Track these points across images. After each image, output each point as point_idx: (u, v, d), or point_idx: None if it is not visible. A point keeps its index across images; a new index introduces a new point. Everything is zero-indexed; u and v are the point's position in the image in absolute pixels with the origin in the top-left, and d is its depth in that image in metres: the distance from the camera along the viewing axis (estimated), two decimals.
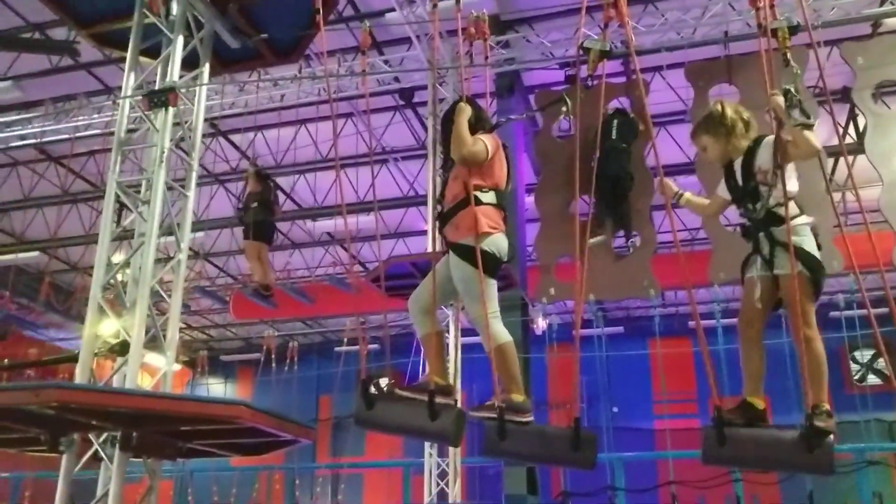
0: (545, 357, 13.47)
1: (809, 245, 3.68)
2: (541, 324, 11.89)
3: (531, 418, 3.77)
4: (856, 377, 17.76)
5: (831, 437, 3.39)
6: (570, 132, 5.92)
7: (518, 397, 3.77)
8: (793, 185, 3.77)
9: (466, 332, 11.53)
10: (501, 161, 4.17)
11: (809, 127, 3.55)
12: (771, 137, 3.74)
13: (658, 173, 4.16)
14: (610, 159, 8.25)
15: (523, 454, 3.86)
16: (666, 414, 16.12)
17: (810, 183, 7.95)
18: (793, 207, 3.71)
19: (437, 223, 4.18)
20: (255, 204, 9.52)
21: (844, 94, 9.69)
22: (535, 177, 11.13)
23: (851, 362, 17.90)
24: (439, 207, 4.22)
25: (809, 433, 3.36)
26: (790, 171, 3.76)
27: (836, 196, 12.42)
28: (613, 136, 8.52)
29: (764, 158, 3.75)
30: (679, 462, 10.90)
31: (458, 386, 9.62)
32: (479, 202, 3.96)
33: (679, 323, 17.27)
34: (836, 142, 10.86)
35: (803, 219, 3.74)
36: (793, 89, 3.61)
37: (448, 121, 4.26)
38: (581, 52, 4.27)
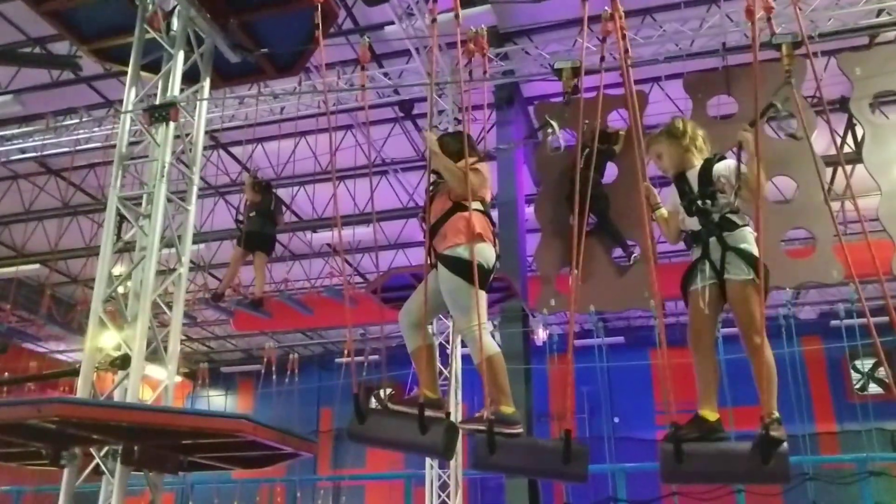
0: (546, 368, 13.48)
1: (756, 251, 3.71)
2: (541, 335, 11.89)
3: (521, 430, 3.76)
4: (857, 386, 17.75)
5: (784, 445, 3.37)
6: (560, 150, 5.94)
7: (507, 409, 3.76)
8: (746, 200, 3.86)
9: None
10: (490, 180, 4.28)
11: (797, 138, 3.64)
12: (732, 161, 3.84)
13: (644, 179, 4.18)
14: (585, 185, 8.34)
15: (513, 467, 3.86)
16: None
17: (809, 193, 8.04)
18: (742, 217, 3.82)
19: (426, 238, 4.17)
20: (253, 214, 9.53)
21: (842, 105, 9.73)
22: (535, 188, 11.17)
23: (852, 371, 17.89)
24: (425, 223, 4.22)
25: (763, 443, 3.34)
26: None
27: (835, 206, 12.45)
28: (582, 166, 8.62)
29: (726, 172, 3.84)
30: None
31: (459, 398, 9.67)
32: (464, 209, 4.01)
33: (681, 332, 17.21)
34: (834, 152, 10.95)
35: (750, 228, 3.82)
36: (778, 104, 3.67)
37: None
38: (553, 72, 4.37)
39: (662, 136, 4.15)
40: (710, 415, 3.66)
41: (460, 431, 3.97)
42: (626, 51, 4.35)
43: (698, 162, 4.00)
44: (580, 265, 4.16)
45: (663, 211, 4.17)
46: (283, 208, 10.59)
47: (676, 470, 3.48)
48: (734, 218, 3.79)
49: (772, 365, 3.57)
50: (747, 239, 3.76)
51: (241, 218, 9.77)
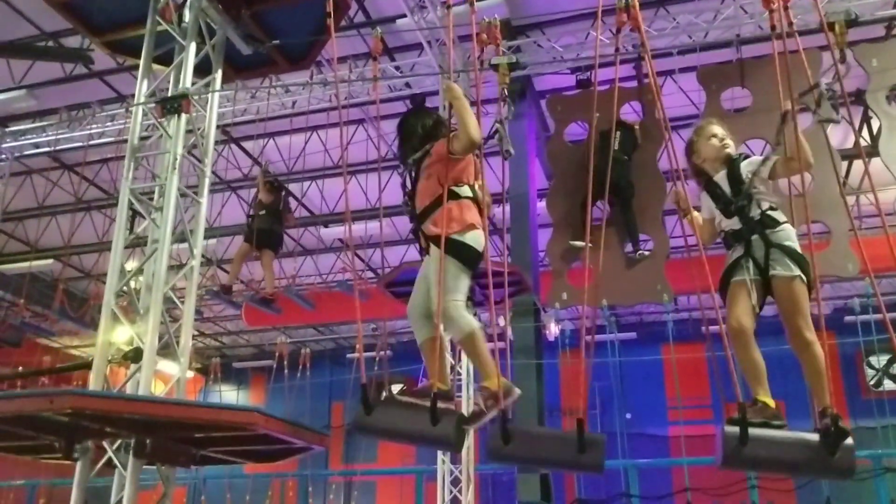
0: (558, 363, 13.42)
1: (802, 249, 3.74)
2: (553, 329, 11.84)
3: (512, 398, 3.70)
4: (871, 382, 17.61)
5: (850, 439, 3.35)
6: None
7: (493, 383, 3.71)
8: (775, 195, 3.90)
9: None
10: (473, 158, 4.17)
11: (834, 122, 3.63)
12: (755, 157, 3.92)
13: (672, 179, 4.14)
14: (612, 170, 8.28)
15: (528, 458, 3.81)
16: (681, 420, 16.02)
17: (824, 186, 7.95)
18: (781, 214, 3.83)
19: (415, 222, 4.14)
20: (263, 212, 9.56)
21: (858, 97, 9.62)
22: (546, 181, 11.12)
23: (867, 367, 17.75)
24: (410, 207, 4.19)
25: (833, 435, 3.31)
26: (770, 183, 3.91)
27: (851, 199, 12.34)
28: (616, 148, 8.56)
29: (754, 166, 3.87)
30: (695, 468, 10.82)
31: (471, 392, 9.64)
32: (458, 196, 3.99)
33: (693, 328, 17.18)
34: (849, 144, 10.84)
35: (790, 226, 3.82)
36: (824, 86, 3.65)
37: (404, 126, 4.32)
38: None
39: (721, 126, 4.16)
40: (770, 401, 3.61)
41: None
42: (643, 42, 4.30)
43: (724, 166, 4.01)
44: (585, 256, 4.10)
45: (697, 215, 4.15)
46: (292, 208, 10.59)
47: (739, 454, 3.40)
48: (775, 215, 3.80)
49: (823, 360, 3.55)
50: (791, 237, 3.76)
51: (250, 212, 9.82)
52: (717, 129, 4.13)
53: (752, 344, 3.71)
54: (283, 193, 9.96)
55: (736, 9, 9.44)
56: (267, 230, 9.42)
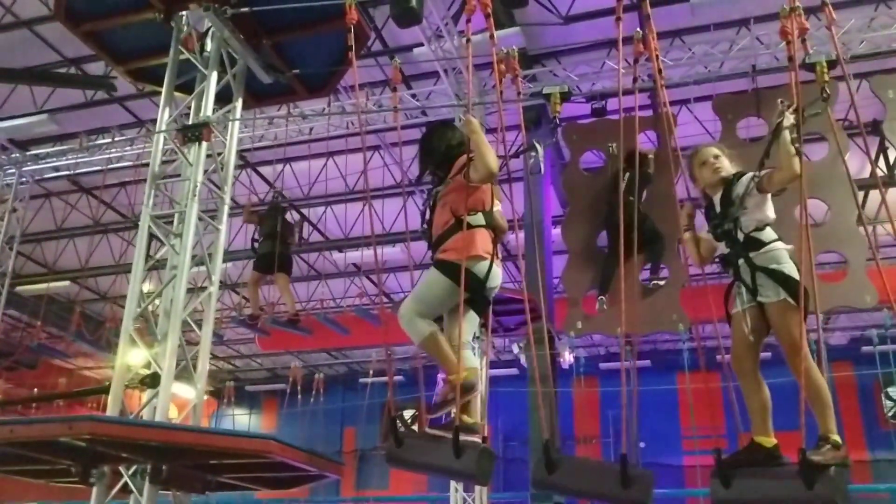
0: (571, 391, 13.38)
1: (790, 270, 3.62)
2: (568, 357, 11.80)
3: (472, 394, 3.78)
4: (889, 413, 17.40)
5: (831, 469, 3.27)
6: (541, 173, 5.86)
7: (457, 377, 3.77)
8: (769, 212, 3.80)
9: (493, 364, 11.50)
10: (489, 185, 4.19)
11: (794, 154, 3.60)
12: (748, 175, 3.82)
13: (677, 201, 4.15)
14: (622, 213, 8.37)
15: (572, 489, 3.78)
16: (696, 450, 15.86)
17: (841, 216, 7.92)
18: (770, 233, 3.73)
19: (430, 250, 4.20)
20: (263, 238, 9.62)
21: (875, 127, 9.61)
22: (561, 209, 11.13)
23: (885, 399, 17.54)
24: (427, 235, 4.24)
25: (804, 468, 3.25)
26: (766, 200, 3.80)
27: (868, 229, 12.27)
28: (623, 190, 8.61)
29: (741, 187, 3.80)
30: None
31: (486, 420, 9.58)
32: (470, 225, 4.00)
33: (708, 356, 17.06)
34: (865, 174, 10.81)
35: (781, 244, 3.72)
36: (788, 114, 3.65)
37: (426, 143, 4.37)
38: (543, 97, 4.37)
39: (716, 148, 4.13)
40: (766, 441, 3.57)
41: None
42: (660, 71, 4.33)
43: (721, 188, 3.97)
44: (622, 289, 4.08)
45: (688, 234, 4.13)
46: (295, 228, 10.62)
47: (725, 497, 3.43)
48: (759, 236, 3.69)
49: (821, 386, 3.47)
50: (778, 258, 3.64)
51: (256, 238, 9.87)
52: (706, 154, 4.07)
53: (753, 382, 3.67)
54: (278, 215, 9.98)
55: (752, 39, 9.49)
56: (270, 254, 9.39)
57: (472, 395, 3.80)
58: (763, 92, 8.89)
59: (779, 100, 3.71)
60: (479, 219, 4.07)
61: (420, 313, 3.96)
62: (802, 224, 3.53)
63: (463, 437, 3.72)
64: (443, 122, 4.43)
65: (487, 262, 3.98)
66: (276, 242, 9.54)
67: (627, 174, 8.66)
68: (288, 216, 10.20)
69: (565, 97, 4.37)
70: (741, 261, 3.71)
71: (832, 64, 3.78)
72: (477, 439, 3.84)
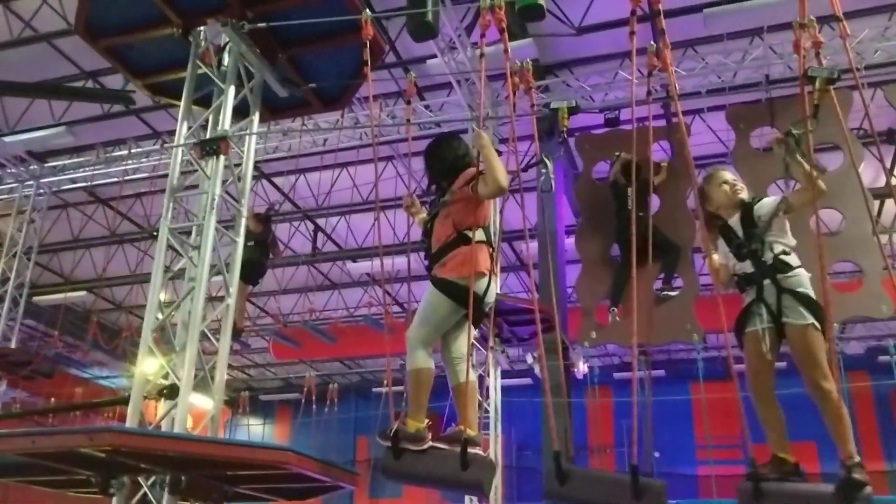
0: (584, 401, 13.34)
1: (815, 296, 3.69)
2: (582, 367, 11.79)
3: (423, 447, 3.82)
4: None
5: (868, 489, 3.33)
6: (552, 191, 5.86)
7: (413, 424, 3.85)
8: (790, 238, 3.86)
9: (506, 374, 11.51)
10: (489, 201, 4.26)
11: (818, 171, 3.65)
12: (768, 199, 3.92)
13: (699, 218, 4.17)
14: (631, 228, 8.40)
15: (584, 500, 3.80)
16: (710, 460, 15.79)
17: (856, 225, 7.91)
18: (796, 258, 3.80)
19: (428, 262, 4.25)
20: (251, 243, 9.60)
21: (889, 136, 9.59)
22: (574, 218, 11.15)
23: None
24: (426, 246, 4.30)
25: (846, 486, 3.30)
26: (787, 224, 3.88)
27: (883, 238, 12.22)
28: (630, 206, 8.65)
29: (766, 209, 3.86)
30: None
31: (499, 429, 9.62)
32: (469, 241, 4.06)
33: (722, 366, 17.02)
34: (880, 184, 10.77)
35: (804, 270, 3.77)
36: (796, 135, 3.67)
37: (433, 154, 4.44)
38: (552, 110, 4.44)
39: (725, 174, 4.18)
40: (787, 456, 3.62)
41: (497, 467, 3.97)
42: (672, 85, 4.36)
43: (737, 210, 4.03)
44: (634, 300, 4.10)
45: (716, 258, 4.17)
46: (279, 242, 10.65)
47: None
48: (788, 259, 3.77)
49: (842, 408, 3.51)
50: (804, 282, 3.72)
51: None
52: (728, 176, 4.15)
53: (769, 400, 3.72)
54: (272, 226, 10.03)
55: (765, 49, 9.49)
56: (254, 261, 9.20)
57: (414, 447, 3.83)
58: (776, 102, 8.89)
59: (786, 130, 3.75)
60: (479, 234, 4.13)
61: (425, 341, 4.03)
62: (816, 235, 3.56)
63: (469, 450, 3.76)
64: (450, 133, 4.51)
65: (486, 279, 4.05)
66: (262, 251, 9.55)
67: (629, 188, 8.74)
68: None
69: (573, 112, 4.42)
70: (767, 281, 3.75)
71: (831, 81, 3.77)
72: (480, 451, 3.88)
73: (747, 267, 3.85)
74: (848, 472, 3.30)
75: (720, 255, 4.13)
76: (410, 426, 3.85)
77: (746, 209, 3.95)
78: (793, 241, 3.85)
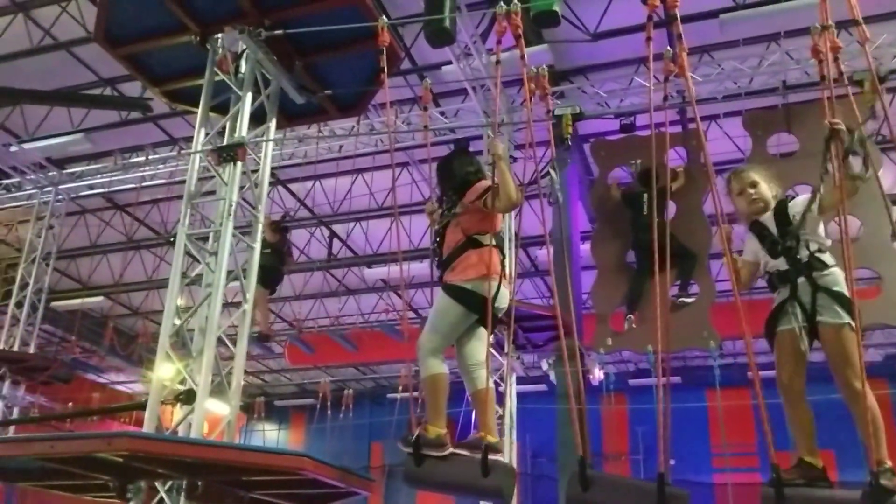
0: (599, 407, 13.24)
1: (849, 295, 3.60)
2: (597, 374, 11.72)
3: (444, 453, 3.86)
4: None
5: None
6: (558, 203, 5.86)
7: (433, 430, 3.90)
8: (825, 237, 3.80)
9: (521, 380, 11.47)
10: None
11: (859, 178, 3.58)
12: (801, 197, 3.85)
13: (717, 223, 4.13)
14: (646, 233, 8.45)
15: None
16: (727, 468, 15.67)
17: (875, 232, 7.84)
18: (831, 257, 3.73)
19: (439, 271, 4.30)
20: (268, 251, 9.76)
21: None
22: (590, 224, 11.13)
23: None
24: (438, 254, 4.35)
25: (875, 493, 3.23)
26: (820, 225, 3.81)
27: None
28: (645, 212, 8.65)
29: (800, 207, 3.79)
30: None
31: (514, 436, 9.57)
32: (480, 245, 4.12)
33: (738, 373, 16.88)
34: None
35: (839, 269, 3.69)
36: (854, 138, 3.61)
37: (445, 168, 4.52)
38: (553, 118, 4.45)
39: (757, 170, 4.12)
40: (816, 461, 3.54)
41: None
42: (689, 90, 4.35)
43: (770, 208, 3.96)
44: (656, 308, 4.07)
45: (736, 257, 4.12)
46: (293, 250, 10.92)
47: None
48: (824, 258, 3.70)
49: (876, 411, 3.44)
50: (839, 281, 3.64)
51: None
52: (743, 182, 4.06)
53: (801, 401, 3.63)
54: (287, 235, 10.22)
55: (782, 54, 9.43)
56: (270, 268, 9.51)
57: (435, 453, 3.87)
58: (793, 108, 8.84)
59: (827, 120, 3.68)
60: (488, 239, 4.16)
61: (436, 348, 4.06)
62: (842, 240, 3.52)
63: (490, 456, 3.76)
64: (462, 149, 4.62)
65: (496, 283, 4.05)
66: (277, 258, 9.80)
67: (647, 195, 8.74)
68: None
69: (577, 118, 4.43)
70: (801, 279, 3.68)
71: (881, 79, 3.75)
72: (501, 458, 3.90)
73: (781, 264, 3.77)
74: (876, 479, 3.22)
75: (747, 253, 4.08)
76: (431, 432, 3.88)
77: (780, 207, 3.89)
78: (828, 241, 3.78)
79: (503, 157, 4.07)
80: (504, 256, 4.27)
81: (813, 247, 3.72)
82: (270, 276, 9.66)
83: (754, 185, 4.03)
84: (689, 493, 3.54)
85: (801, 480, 3.45)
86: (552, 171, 4.41)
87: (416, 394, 4.10)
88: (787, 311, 3.70)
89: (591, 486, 3.56)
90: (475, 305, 4.01)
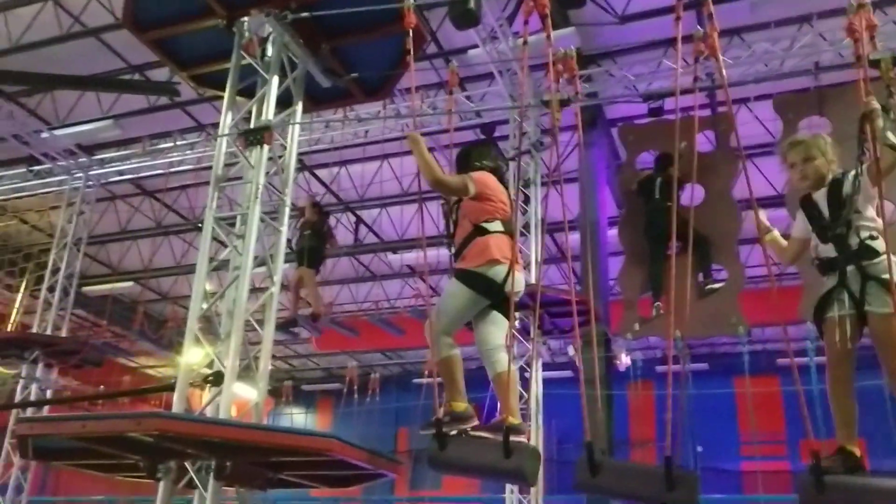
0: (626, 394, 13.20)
1: None
2: (624, 360, 11.69)
3: (469, 426, 3.92)
4: None
5: None
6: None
7: (458, 406, 3.96)
8: (877, 219, 3.66)
9: (547, 366, 11.45)
10: (495, 193, 4.33)
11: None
12: (853, 172, 3.64)
13: (753, 207, 4.05)
14: (656, 219, 8.44)
15: (616, 491, 3.76)
16: (755, 456, 15.56)
17: None
18: (882, 244, 3.60)
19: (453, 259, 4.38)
20: (309, 232, 9.81)
21: None
22: (617, 210, 11.05)
23: None
24: (451, 248, 4.44)
25: None
26: (872, 201, 3.65)
27: None
28: (657, 196, 8.58)
29: (850, 185, 3.64)
30: None
31: (540, 421, 9.56)
32: (487, 232, 4.17)
33: (767, 360, 16.72)
34: None
35: (893, 257, 3.54)
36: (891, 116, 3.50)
37: (462, 157, 4.66)
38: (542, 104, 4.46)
39: (810, 143, 3.93)
40: (855, 450, 3.47)
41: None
42: (720, 72, 4.27)
43: (823, 185, 3.80)
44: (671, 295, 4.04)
45: (774, 234, 4.03)
46: (335, 234, 10.96)
47: (817, 502, 3.34)
48: (875, 245, 3.57)
49: None
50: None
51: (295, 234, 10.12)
52: (795, 155, 3.89)
53: (849, 389, 3.54)
54: (327, 217, 10.29)
55: (814, 36, 9.25)
56: (314, 248, 9.59)
57: (464, 426, 3.93)
58: (826, 91, 8.68)
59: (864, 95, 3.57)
60: (496, 226, 4.22)
61: (445, 330, 4.11)
62: (884, 224, 3.43)
63: (512, 438, 3.76)
64: (485, 140, 4.71)
65: (505, 267, 4.07)
66: (319, 239, 9.95)
67: (659, 179, 8.68)
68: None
69: (564, 105, 4.41)
70: (851, 267, 3.58)
71: None
72: (524, 439, 3.90)
73: (830, 251, 3.65)
74: None
75: (796, 230, 3.95)
76: (457, 408, 3.94)
77: (834, 186, 3.72)
78: (880, 224, 3.63)
79: (413, 144, 4.28)
80: (513, 238, 4.28)
81: (864, 234, 3.59)
82: (314, 257, 9.77)
83: (809, 159, 3.86)
84: (708, 477, 3.49)
85: (840, 468, 3.38)
86: (532, 150, 4.45)
87: (439, 379, 4.13)
88: (835, 299, 3.60)
89: (601, 471, 3.54)
90: (482, 287, 4.08)
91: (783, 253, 4.03)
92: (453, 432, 3.89)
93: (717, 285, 8.48)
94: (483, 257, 4.09)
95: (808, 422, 3.41)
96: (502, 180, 4.55)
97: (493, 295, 4.10)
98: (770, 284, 3.93)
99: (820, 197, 3.77)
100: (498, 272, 4.07)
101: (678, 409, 3.61)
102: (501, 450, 3.71)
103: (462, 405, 3.96)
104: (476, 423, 3.95)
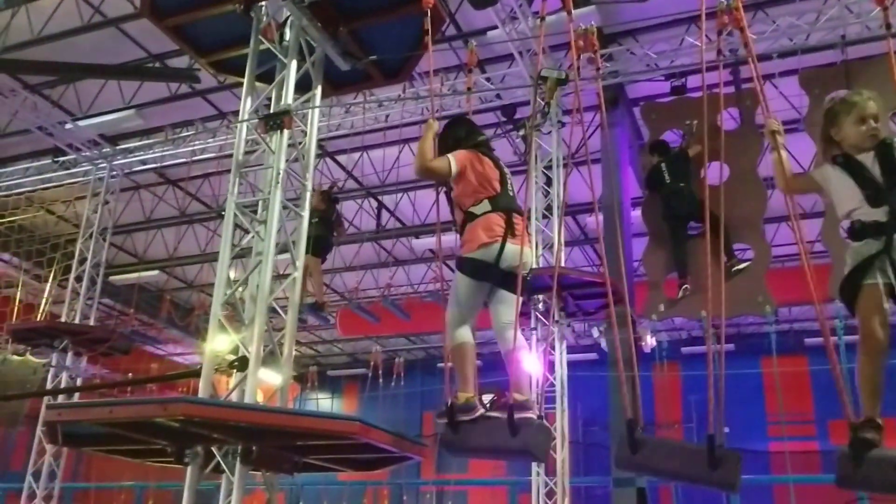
0: (651, 375, 13.12)
1: None
2: (649, 341, 11.62)
3: (474, 416, 3.95)
4: None
5: None
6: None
7: (463, 396, 3.99)
8: None
9: (572, 349, 11.40)
10: (480, 170, 4.31)
11: None
12: None
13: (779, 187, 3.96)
14: (674, 202, 8.45)
15: (657, 469, 3.71)
16: (783, 436, 15.41)
17: None
18: None
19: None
20: (316, 220, 9.79)
21: None
22: (641, 190, 10.93)
23: None
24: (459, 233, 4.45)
25: None
26: None
27: None
28: (668, 181, 8.49)
29: None
30: (799, 487, 10.39)
31: (565, 404, 9.53)
32: (475, 216, 4.21)
33: (794, 340, 16.55)
34: None
35: None
36: None
37: (441, 138, 4.62)
38: (539, 80, 4.41)
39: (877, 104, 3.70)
40: (881, 421, 3.37)
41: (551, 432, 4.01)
42: (747, 45, 4.20)
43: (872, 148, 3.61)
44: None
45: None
46: (343, 220, 10.97)
47: (854, 475, 3.25)
48: None
49: None
50: None
51: None
52: (869, 111, 3.63)
53: (882, 357, 3.40)
54: (336, 205, 10.28)
55: (840, 9, 9.06)
56: (319, 237, 9.57)
57: (467, 417, 3.96)
58: (853, 64, 8.51)
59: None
60: (484, 206, 4.22)
61: (458, 319, 4.17)
62: None
63: (518, 415, 3.74)
64: (460, 116, 4.74)
65: (497, 245, 4.08)
66: (327, 227, 9.95)
67: (665, 162, 8.61)
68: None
69: (561, 83, 4.38)
70: None
71: None
72: (531, 415, 3.87)
73: (879, 215, 3.46)
74: None
75: (817, 174, 3.79)
76: (461, 399, 3.98)
77: (887, 148, 3.55)
78: None
79: (428, 126, 4.38)
80: (507, 212, 4.25)
81: None
82: (321, 245, 9.78)
83: (877, 118, 3.66)
84: (740, 454, 3.45)
85: (877, 438, 3.28)
86: (526, 128, 4.44)
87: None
88: (877, 267, 3.44)
89: (640, 448, 3.51)
90: (474, 271, 4.13)
91: (788, 181, 3.85)
92: (464, 419, 3.92)
93: (742, 265, 8.38)
94: (475, 243, 4.13)
95: (846, 402, 3.34)
96: (488, 153, 4.50)
97: (489, 276, 4.12)
98: (802, 262, 3.84)
99: (867, 159, 3.58)
100: (490, 252, 4.10)
101: (714, 389, 3.55)
102: (507, 428, 3.72)
103: (465, 396, 3.99)
104: (479, 413, 3.97)
